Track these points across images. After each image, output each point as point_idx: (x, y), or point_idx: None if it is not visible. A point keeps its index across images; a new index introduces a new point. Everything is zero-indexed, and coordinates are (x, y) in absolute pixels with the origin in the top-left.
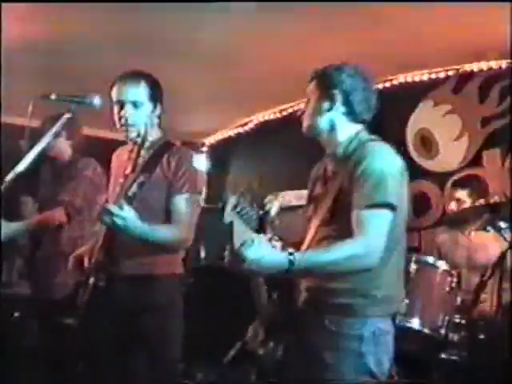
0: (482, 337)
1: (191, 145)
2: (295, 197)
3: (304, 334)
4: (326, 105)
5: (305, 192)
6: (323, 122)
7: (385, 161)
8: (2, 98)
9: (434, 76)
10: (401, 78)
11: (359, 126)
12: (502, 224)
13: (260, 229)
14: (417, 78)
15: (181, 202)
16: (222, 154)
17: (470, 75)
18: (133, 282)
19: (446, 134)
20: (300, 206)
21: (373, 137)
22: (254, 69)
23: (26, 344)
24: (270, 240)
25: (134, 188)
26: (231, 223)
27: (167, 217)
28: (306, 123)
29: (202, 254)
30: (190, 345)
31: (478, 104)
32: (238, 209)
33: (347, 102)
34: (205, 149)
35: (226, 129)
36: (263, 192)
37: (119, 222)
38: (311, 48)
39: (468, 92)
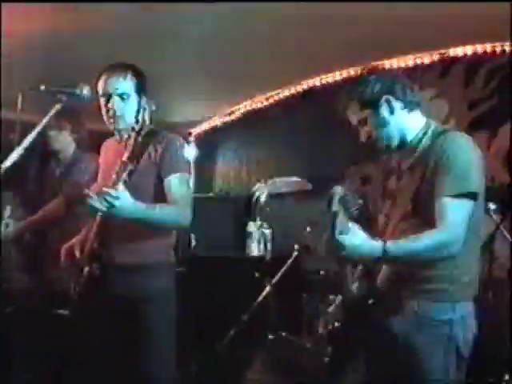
0: None
1: (178, 134)
2: (284, 184)
3: (389, 319)
4: (385, 113)
5: (294, 179)
6: (394, 128)
7: (468, 150)
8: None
9: (419, 61)
10: (386, 64)
11: (421, 114)
12: (491, 205)
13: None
14: (402, 63)
15: (174, 183)
16: (209, 143)
17: (456, 59)
18: (127, 271)
19: (433, 118)
20: (290, 194)
21: (446, 126)
22: (241, 56)
23: (20, 337)
24: (260, 227)
25: (125, 176)
26: (335, 213)
27: (156, 203)
28: (381, 143)
29: (193, 243)
30: (183, 334)
31: (464, 87)
32: (344, 199)
33: (397, 97)
34: (192, 138)
35: (213, 118)
36: (252, 180)
37: (117, 203)
38: (296, 33)
39: (454, 76)
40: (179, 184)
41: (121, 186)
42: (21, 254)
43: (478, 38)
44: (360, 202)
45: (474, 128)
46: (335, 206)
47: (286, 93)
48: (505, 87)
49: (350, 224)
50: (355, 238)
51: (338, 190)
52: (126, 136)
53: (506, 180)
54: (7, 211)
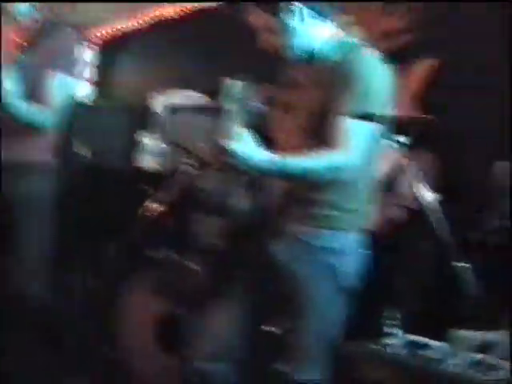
0: None
1: (79, 32)
2: (181, 97)
3: (270, 242)
4: (294, 20)
5: (191, 92)
6: (302, 38)
7: (378, 70)
8: None
9: None
10: None
11: (334, 26)
12: (400, 138)
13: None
14: None
15: (54, 82)
16: (113, 49)
17: None
18: (3, 169)
19: None
20: (187, 107)
21: (356, 40)
22: None
23: None
24: (154, 140)
25: (14, 66)
26: (227, 111)
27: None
28: (287, 53)
29: (85, 152)
30: (60, 246)
31: (382, 17)
32: (243, 101)
33: (307, 4)
34: (95, 41)
35: (119, 22)
36: (150, 90)
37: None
38: None
39: (372, 4)
40: (58, 85)
41: (8, 74)
42: None
43: None
44: (262, 108)
45: (390, 60)
46: (230, 104)
47: (194, 3)
48: (424, 21)
49: (240, 129)
50: (243, 143)
51: (237, 87)
52: (22, 22)
53: (413, 115)
54: None
